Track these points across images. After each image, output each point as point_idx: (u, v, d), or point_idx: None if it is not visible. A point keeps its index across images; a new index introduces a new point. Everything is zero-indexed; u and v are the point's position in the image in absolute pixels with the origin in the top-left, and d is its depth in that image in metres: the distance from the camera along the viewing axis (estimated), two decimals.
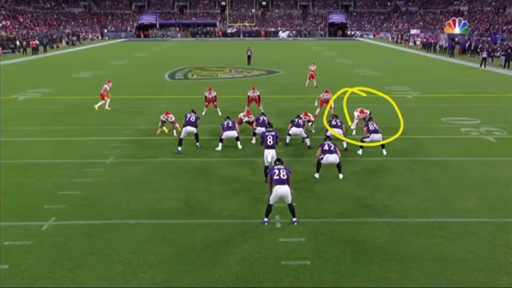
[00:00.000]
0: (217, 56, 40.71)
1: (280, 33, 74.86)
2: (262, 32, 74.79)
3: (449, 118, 15.65)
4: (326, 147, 9.95)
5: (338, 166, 9.94)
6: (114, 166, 10.88)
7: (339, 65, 33.88)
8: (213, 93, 16.02)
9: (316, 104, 16.10)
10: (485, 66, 32.01)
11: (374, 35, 73.44)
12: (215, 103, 16.04)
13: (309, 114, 12.99)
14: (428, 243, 7.20)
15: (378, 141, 11.43)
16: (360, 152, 11.64)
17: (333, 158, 9.84)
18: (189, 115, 12.04)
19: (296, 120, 12.15)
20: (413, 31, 65.59)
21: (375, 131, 11.39)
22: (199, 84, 23.95)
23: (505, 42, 42.45)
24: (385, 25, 77.02)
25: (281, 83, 24.51)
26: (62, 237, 7.40)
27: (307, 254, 6.90)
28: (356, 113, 13.39)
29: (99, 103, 17.19)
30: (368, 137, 11.43)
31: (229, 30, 76.09)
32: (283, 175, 7.58)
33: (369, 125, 11.54)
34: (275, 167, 7.75)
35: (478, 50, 39.16)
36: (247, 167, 10.79)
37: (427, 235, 7.47)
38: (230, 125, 11.87)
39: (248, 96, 15.82)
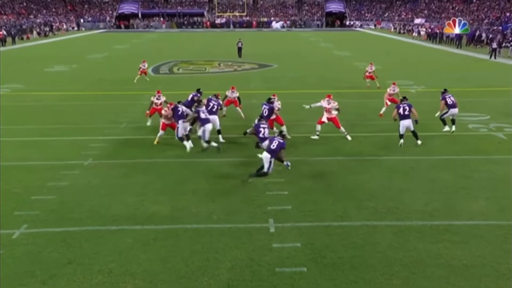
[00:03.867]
0: (205, 48, 40.74)
1: (273, 23, 75.06)
2: (254, 23, 74.96)
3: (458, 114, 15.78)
4: (401, 111, 11.86)
5: (414, 134, 12.00)
6: (93, 167, 10.86)
7: (337, 58, 34.06)
8: (236, 93, 14.93)
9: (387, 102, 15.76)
10: (495, 58, 32.36)
11: (375, 25, 73.91)
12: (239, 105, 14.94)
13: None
14: (433, 248, 7.29)
15: (455, 115, 13.27)
16: (447, 128, 13.32)
17: (407, 123, 11.78)
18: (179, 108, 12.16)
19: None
20: (417, 21, 66.11)
21: (453, 105, 13.08)
22: (186, 79, 23.99)
23: None
24: (386, 14, 77.51)
25: (274, 78, 24.62)
26: (35, 245, 7.39)
27: (303, 260, 6.95)
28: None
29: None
30: (447, 112, 13.17)
31: (218, 21, 76.15)
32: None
33: (447, 99, 13.11)
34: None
35: (488, 40, 39.56)
36: (239, 167, 10.84)
37: (432, 239, 7.56)
38: (214, 109, 12.37)
39: (226, 96, 14.81)
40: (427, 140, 12.96)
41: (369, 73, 20.66)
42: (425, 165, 11.04)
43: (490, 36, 41.60)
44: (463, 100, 17.81)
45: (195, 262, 6.93)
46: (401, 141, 12.07)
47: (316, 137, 12.86)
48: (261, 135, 10.49)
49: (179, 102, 12.33)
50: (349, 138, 12.78)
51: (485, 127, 14.23)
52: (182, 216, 8.36)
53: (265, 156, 9.46)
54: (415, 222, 8.12)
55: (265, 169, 9.49)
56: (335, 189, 9.62)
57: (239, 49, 33.82)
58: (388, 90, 15.97)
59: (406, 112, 11.85)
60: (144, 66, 22.89)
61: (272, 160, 9.49)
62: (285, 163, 9.79)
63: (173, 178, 10.20)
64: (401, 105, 12.09)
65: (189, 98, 13.93)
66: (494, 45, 33.20)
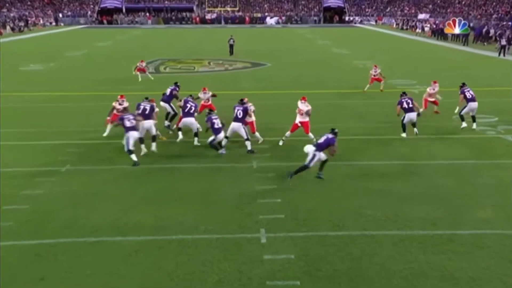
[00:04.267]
0: (194, 46, 40.81)
1: (268, 19, 75.28)
2: (247, 18, 75.12)
3: None
4: (405, 105, 13.17)
5: (414, 125, 13.25)
6: (72, 174, 10.82)
7: (335, 56, 34.26)
8: (208, 94, 14.92)
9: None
10: (504, 55, 32.68)
11: (376, 21, 74.33)
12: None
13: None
14: (435, 259, 7.33)
15: (475, 110, 14.07)
16: (464, 125, 14.01)
17: (413, 115, 13.16)
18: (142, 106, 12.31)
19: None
20: (421, 16, 66.67)
21: (472, 99, 13.89)
22: (173, 79, 23.84)
23: None
24: (388, 9, 78.03)
25: (267, 77, 24.73)
26: (6, 260, 7.33)
27: (297, 273, 6.96)
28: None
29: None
30: (466, 106, 14.02)
31: (208, 16, 76.26)
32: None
33: (466, 93, 13.95)
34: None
35: (497, 37, 39.92)
36: (226, 173, 10.87)
37: (435, 249, 7.60)
38: (191, 111, 12.62)
39: (198, 98, 14.58)
40: (430, 143, 13.06)
41: (374, 75, 20.11)
42: (427, 170, 11.12)
43: (499, 32, 41.98)
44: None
45: (180, 275, 6.92)
46: (404, 134, 13.38)
47: (281, 142, 12.81)
48: (215, 126, 11.71)
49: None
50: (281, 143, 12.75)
51: (493, 130, 14.36)
52: (167, 226, 8.35)
53: (309, 148, 9.94)
54: (416, 232, 8.17)
55: (307, 162, 9.89)
56: (331, 196, 9.66)
57: (231, 47, 33.95)
58: (428, 90, 16.01)
59: (410, 105, 13.28)
60: (142, 65, 23.65)
61: (317, 154, 9.86)
62: (319, 174, 10.28)
63: (157, 185, 10.20)
64: (403, 100, 13.42)
65: (168, 92, 14.35)
66: (503, 41, 33.56)
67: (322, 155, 9.99)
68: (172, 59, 32.01)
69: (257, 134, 12.84)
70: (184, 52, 35.74)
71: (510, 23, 47.87)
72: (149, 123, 12.10)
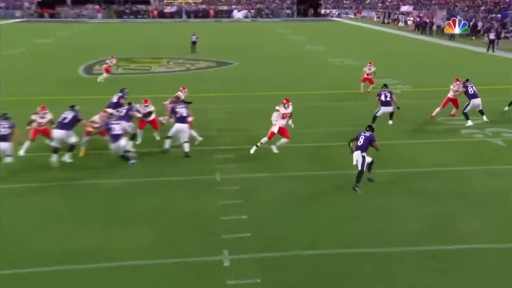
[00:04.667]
0: (151, 43, 40.48)
1: (235, 12, 75.63)
2: (211, 12, 75.24)
3: (448, 118, 16.32)
4: (383, 97, 14.96)
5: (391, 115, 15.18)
6: (28, 193, 10.57)
7: (309, 53, 34.63)
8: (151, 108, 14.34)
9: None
10: (493, 51, 33.67)
11: (355, 14, 75.59)
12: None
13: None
14: (419, 278, 7.42)
15: (479, 106, 15.38)
16: (469, 123, 15.15)
17: (388, 109, 15.00)
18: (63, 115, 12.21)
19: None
20: (404, 8, 68.05)
21: (475, 95, 15.20)
22: (126, 81, 23.64)
23: None
24: (368, 1, 79.43)
25: (235, 77, 24.76)
26: None
27: None
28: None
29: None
30: (469, 103, 15.30)
31: (167, 9, 75.99)
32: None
33: (469, 88, 15.30)
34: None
35: (485, 30, 41.06)
36: (185, 188, 10.81)
37: (418, 267, 7.69)
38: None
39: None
40: (415, 148, 13.28)
41: (368, 74, 20.12)
42: (409, 178, 11.31)
43: (487, 25, 43.20)
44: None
45: None
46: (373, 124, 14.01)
47: (254, 149, 12.78)
48: (113, 132, 11.83)
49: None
50: (275, 150, 12.72)
51: (481, 133, 14.72)
52: (117, 252, 8.20)
53: (356, 154, 10.61)
54: (397, 249, 8.25)
55: (359, 167, 10.48)
56: (303, 211, 9.68)
57: (193, 44, 33.97)
58: (451, 87, 16.18)
59: (388, 99, 15.02)
60: (112, 62, 24.13)
61: (365, 155, 10.54)
62: (369, 177, 10.94)
63: (103, 204, 10.03)
64: (382, 92, 15.23)
65: (114, 100, 14.43)
66: (492, 36, 34.56)
67: (369, 158, 10.65)
68: (125, 58, 31.63)
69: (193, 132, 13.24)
70: (140, 50, 35.43)
71: (499, 15, 49.33)
72: (60, 133, 11.99)
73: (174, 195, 10.49)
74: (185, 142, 12.54)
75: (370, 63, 20.59)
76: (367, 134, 10.85)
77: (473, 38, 42.97)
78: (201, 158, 12.47)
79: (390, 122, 15.30)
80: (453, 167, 12.04)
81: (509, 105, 17.01)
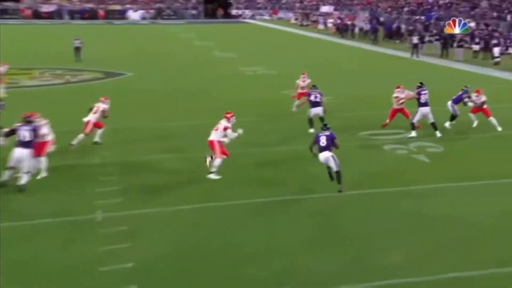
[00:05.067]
0: (21, 50, 38.63)
1: (130, 13, 74.72)
2: (101, 12, 73.62)
3: (369, 132, 16.60)
4: (312, 98, 16.46)
5: (322, 119, 15.83)
6: None
7: (217, 61, 34.68)
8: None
9: None
10: (417, 56, 35.13)
11: (270, 15, 76.84)
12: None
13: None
14: None
15: (427, 115, 15.99)
16: (413, 134, 15.96)
17: (318, 110, 16.41)
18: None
19: None
20: (324, 9, 70.20)
21: (425, 104, 15.86)
22: None
23: (442, 22, 46.91)
24: (285, 0, 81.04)
25: (127, 92, 23.99)
26: None
27: None
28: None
29: None
30: (417, 112, 16.10)
31: (44, 9, 73.54)
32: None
33: (422, 95, 15.83)
34: None
35: (408, 34, 42.85)
36: (55, 233, 10.12)
37: None
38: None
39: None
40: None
41: (302, 88, 18.98)
42: (320, 204, 11.30)
43: (410, 28, 45.16)
44: (378, 113, 18.66)
45: None
46: (311, 130, 15.92)
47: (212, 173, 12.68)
48: (21, 138, 11.82)
49: None
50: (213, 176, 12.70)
51: (404, 148, 15.03)
52: None
53: (324, 156, 11.54)
54: None
55: (334, 168, 11.49)
56: (202, 253, 9.31)
57: (77, 50, 33.29)
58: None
59: (318, 100, 16.51)
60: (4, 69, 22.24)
61: (333, 154, 11.54)
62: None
63: None
64: (311, 93, 16.70)
65: None
66: (415, 39, 36.07)
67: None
68: None
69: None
70: (6, 58, 33.60)
71: (423, 17, 51.81)
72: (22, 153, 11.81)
73: (41, 243, 9.66)
74: (27, 173, 11.86)
75: (303, 74, 19.71)
76: (327, 133, 11.76)
77: (398, 41, 44.78)
78: (78, 192, 11.83)
79: (311, 130, 15.86)
80: (369, 189, 12.03)
81: (450, 120, 16.98)
